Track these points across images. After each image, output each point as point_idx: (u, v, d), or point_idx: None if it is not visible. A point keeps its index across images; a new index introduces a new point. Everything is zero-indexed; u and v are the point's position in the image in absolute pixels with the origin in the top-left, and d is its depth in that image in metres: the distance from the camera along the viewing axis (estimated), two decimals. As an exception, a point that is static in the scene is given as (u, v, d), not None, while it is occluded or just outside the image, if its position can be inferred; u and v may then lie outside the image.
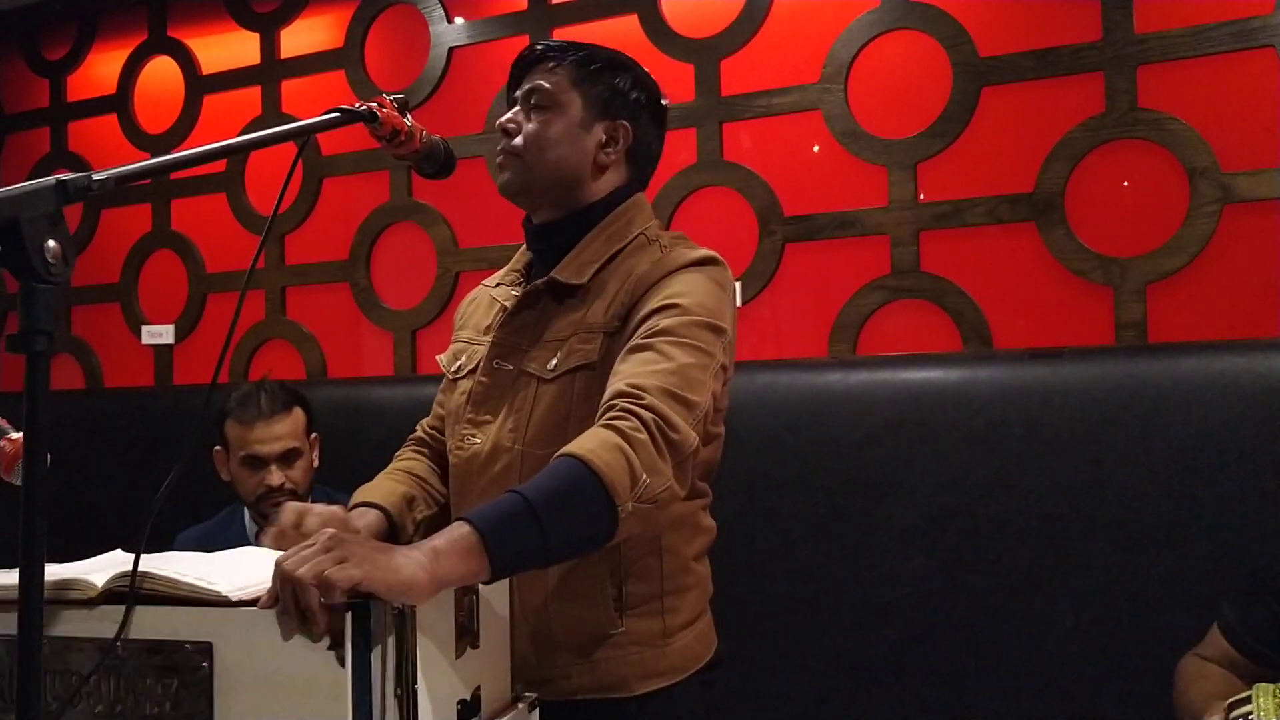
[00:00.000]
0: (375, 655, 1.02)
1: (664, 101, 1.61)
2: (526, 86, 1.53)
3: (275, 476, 2.29)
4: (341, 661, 0.97)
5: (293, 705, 0.99)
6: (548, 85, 1.51)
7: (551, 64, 1.52)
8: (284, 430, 2.32)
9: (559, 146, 1.50)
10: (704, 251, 1.48)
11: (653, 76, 1.60)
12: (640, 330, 1.38)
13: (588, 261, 1.49)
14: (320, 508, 1.41)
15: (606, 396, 1.31)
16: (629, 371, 1.32)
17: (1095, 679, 2.07)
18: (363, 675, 0.98)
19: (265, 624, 1.00)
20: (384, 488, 1.57)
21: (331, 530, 1.07)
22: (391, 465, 1.66)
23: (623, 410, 1.27)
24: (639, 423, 1.25)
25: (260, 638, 1.00)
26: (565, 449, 1.23)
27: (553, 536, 1.16)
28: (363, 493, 1.55)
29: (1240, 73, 2.24)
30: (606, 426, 1.25)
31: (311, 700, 0.98)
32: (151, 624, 1.04)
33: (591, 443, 1.23)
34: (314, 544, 1.03)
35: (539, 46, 1.55)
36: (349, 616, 0.98)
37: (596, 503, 1.20)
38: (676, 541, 1.49)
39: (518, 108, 1.54)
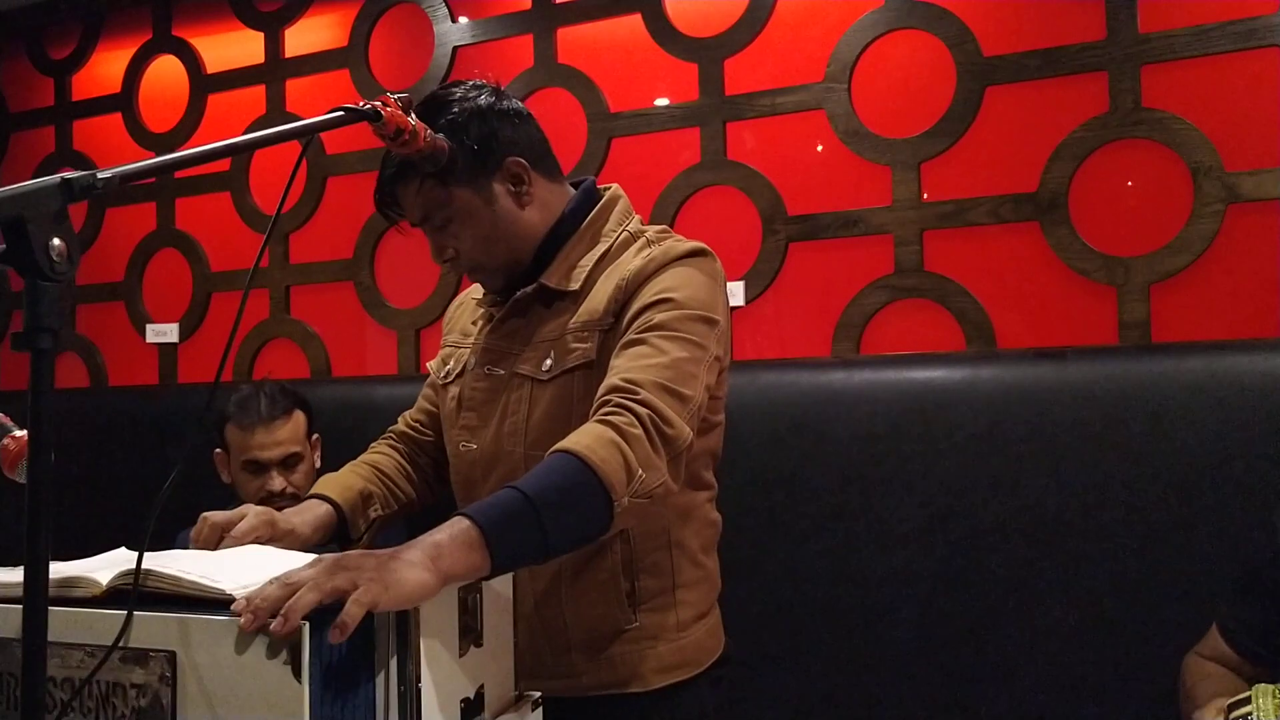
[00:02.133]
0: (378, 655, 1.02)
1: (494, 93, 1.52)
2: (416, 215, 1.50)
3: (276, 482, 2.28)
4: (298, 676, 0.96)
5: (254, 717, 0.97)
6: (429, 206, 1.47)
7: (413, 185, 1.47)
8: (285, 435, 2.30)
9: (492, 235, 1.48)
10: (693, 244, 1.48)
11: (470, 80, 1.52)
12: (634, 325, 1.38)
13: (576, 264, 1.49)
14: (252, 510, 1.39)
15: (601, 391, 1.32)
16: (623, 366, 1.33)
17: (1098, 679, 2.07)
18: (318, 689, 0.97)
19: (228, 634, 0.98)
20: (343, 481, 1.56)
21: (333, 555, 1.06)
22: (362, 456, 1.66)
23: (617, 405, 1.27)
24: (633, 418, 1.26)
25: (223, 648, 0.98)
26: (561, 444, 1.24)
27: (551, 533, 1.17)
28: (322, 483, 1.55)
29: (1244, 72, 2.24)
30: (601, 422, 1.26)
31: (272, 713, 0.97)
32: (117, 631, 1.02)
33: (587, 438, 1.23)
34: (321, 563, 1.02)
35: (386, 182, 1.50)
36: (304, 630, 0.96)
37: (594, 499, 1.21)
38: (685, 535, 1.50)
39: (431, 236, 1.51)
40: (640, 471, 1.23)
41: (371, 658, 1.03)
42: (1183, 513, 2.03)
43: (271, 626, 0.94)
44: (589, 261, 1.49)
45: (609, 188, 1.58)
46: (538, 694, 1.32)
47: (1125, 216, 2.33)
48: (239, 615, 0.97)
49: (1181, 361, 2.11)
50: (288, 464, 2.31)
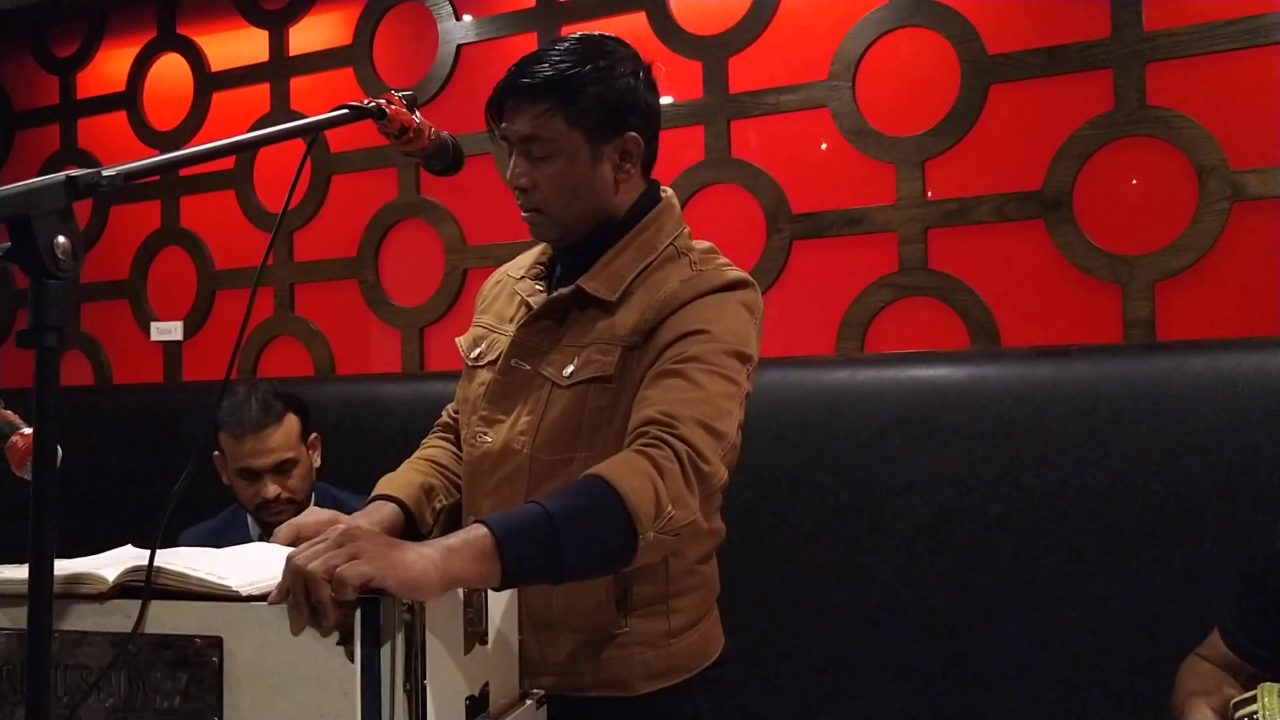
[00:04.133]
0: (385, 651, 1.03)
1: (649, 73, 1.51)
2: (523, 132, 1.43)
3: (270, 489, 2.23)
4: (351, 657, 0.98)
5: (302, 700, 0.99)
6: (545, 135, 1.42)
7: (541, 106, 1.41)
8: (276, 442, 2.24)
9: (580, 191, 1.45)
10: (735, 274, 1.46)
11: (623, 39, 1.51)
12: (668, 355, 1.36)
13: (617, 274, 1.46)
14: (320, 512, 1.41)
15: (637, 422, 1.30)
16: (660, 399, 1.31)
17: (1102, 678, 2.07)
18: (372, 670, 0.99)
19: (275, 619, 1.01)
20: (403, 478, 1.57)
21: (343, 525, 1.07)
22: (416, 453, 1.67)
23: (655, 439, 1.26)
24: (671, 452, 1.24)
25: (270, 632, 1.01)
26: (594, 469, 1.22)
27: (568, 553, 1.16)
28: (383, 484, 1.56)
29: (1249, 70, 2.24)
30: (638, 453, 1.24)
31: (321, 695, 0.99)
32: (162, 618, 1.05)
33: (620, 466, 1.22)
34: (326, 539, 1.04)
35: (522, 81, 1.43)
36: (358, 612, 0.98)
37: (617, 527, 1.19)
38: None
39: (519, 158, 1.46)
40: (670, 508, 1.21)
41: (378, 654, 1.03)
42: (1187, 511, 2.03)
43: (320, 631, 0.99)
44: (631, 273, 1.46)
45: (666, 192, 1.55)
46: (541, 692, 1.32)
47: (1130, 215, 2.33)
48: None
49: (1186, 360, 2.10)
50: (282, 470, 2.25)
